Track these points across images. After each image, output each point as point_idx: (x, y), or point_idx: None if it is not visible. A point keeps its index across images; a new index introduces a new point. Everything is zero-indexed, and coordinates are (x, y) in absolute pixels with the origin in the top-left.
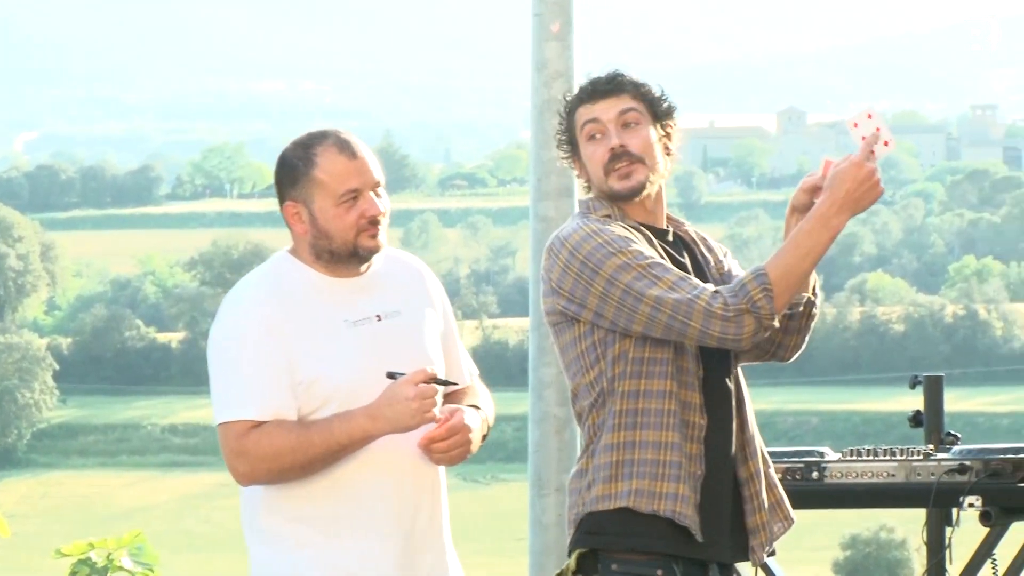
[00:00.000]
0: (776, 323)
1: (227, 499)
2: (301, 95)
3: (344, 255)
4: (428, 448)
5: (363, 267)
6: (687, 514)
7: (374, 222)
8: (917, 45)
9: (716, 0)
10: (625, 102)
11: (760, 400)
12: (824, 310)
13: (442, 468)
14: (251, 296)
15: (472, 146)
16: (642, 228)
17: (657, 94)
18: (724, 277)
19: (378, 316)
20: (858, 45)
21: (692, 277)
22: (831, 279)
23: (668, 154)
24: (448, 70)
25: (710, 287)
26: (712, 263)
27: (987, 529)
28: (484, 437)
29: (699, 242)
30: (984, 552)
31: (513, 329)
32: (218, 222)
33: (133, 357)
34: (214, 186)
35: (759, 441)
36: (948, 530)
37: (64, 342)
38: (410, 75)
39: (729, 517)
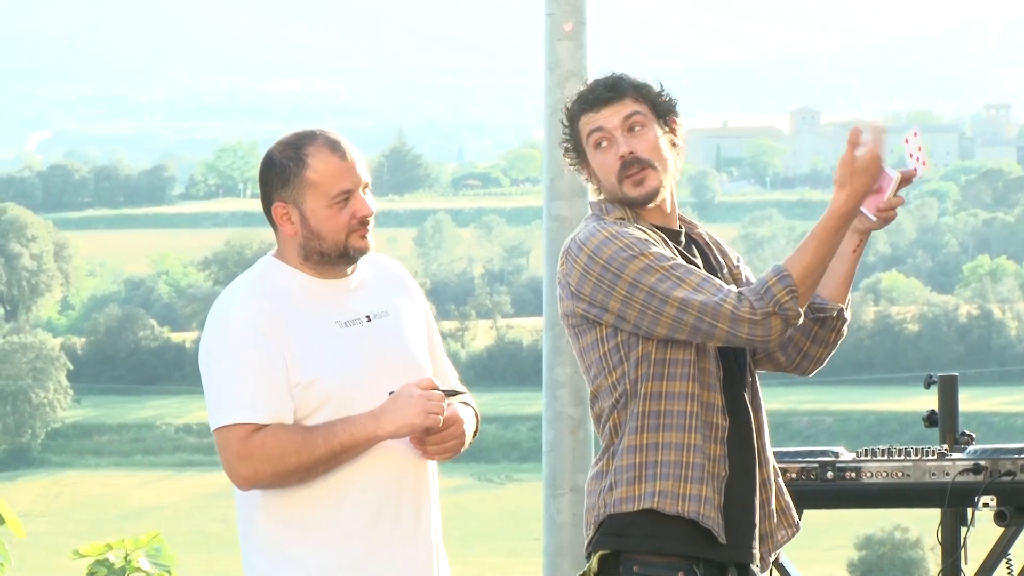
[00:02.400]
0: (800, 319)
1: None
2: (313, 94)
3: (334, 256)
4: (422, 441)
5: (350, 269)
6: (711, 516)
7: (364, 222)
8: (930, 44)
9: None
10: (628, 107)
11: (774, 400)
12: None
13: (434, 467)
14: (242, 300)
15: (485, 145)
16: (657, 230)
17: (657, 91)
18: (738, 283)
19: (368, 317)
20: (871, 44)
21: (714, 278)
22: None
23: (674, 147)
24: (461, 69)
25: (734, 289)
26: (726, 268)
27: (1002, 529)
28: (475, 434)
29: (712, 245)
30: (999, 552)
31: (527, 329)
32: (231, 222)
33: (147, 357)
34: (227, 186)
35: (770, 448)
36: (963, 530)
37: (78, 342)
38: (422, 74)
39: (753, 519)
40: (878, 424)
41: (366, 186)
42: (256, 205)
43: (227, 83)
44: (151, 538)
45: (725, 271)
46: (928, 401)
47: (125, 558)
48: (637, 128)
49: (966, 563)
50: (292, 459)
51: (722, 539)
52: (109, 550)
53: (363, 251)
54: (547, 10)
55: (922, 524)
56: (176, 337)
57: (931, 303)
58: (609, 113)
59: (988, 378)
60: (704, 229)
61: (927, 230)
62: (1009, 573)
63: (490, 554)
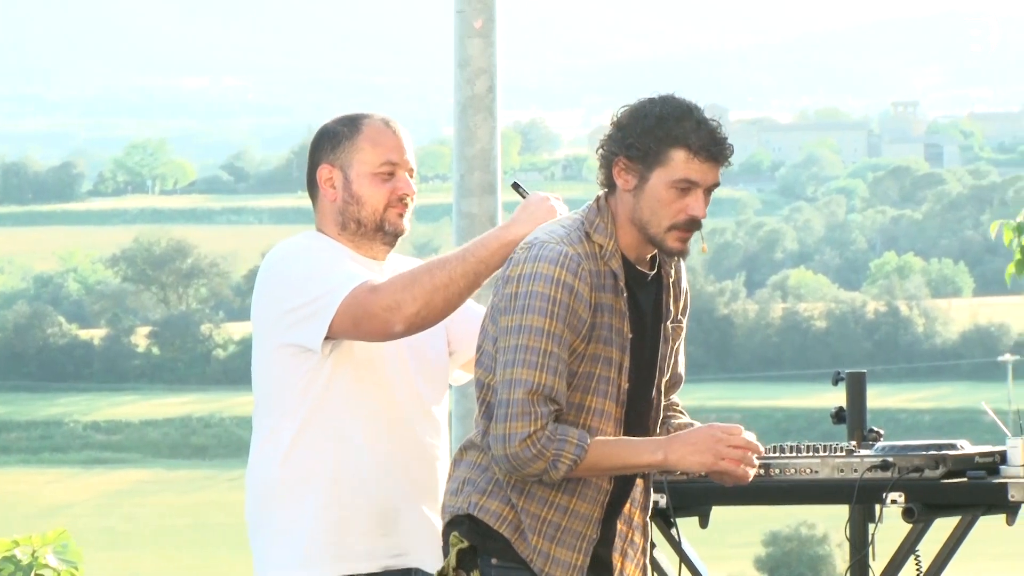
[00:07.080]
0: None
1: (150, 496)
2: (224, 91)
3: (370, 227)
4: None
5: (384, 254)
6: None
7: (404, 200)
8: (839, 42)
9: None
10: (718, 174)
11: (682, 396)
12: (746, 306)
13: (446, 454)
14: (300, 236)
15: None
16: (627, 266)
17: None
18: (667, 339)
19: None
20: (780, 42)
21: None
22: (753, 275)
23: None
24: (370, 66)
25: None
26: (673, 314)
27: (910, 526)
28: None
29: (671, 289)
30: (907, 549)
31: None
32: (140, 218)
33: (55, 354)
34: (136, 183)
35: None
36: (871, 527)
37: None
38: (333, 71)
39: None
40: (786, 420)
41: (411, 172)
42: (164, 202)
43: (141, 80)
44: (58, 535)
45: (668, 320)
46: (836, 398)
47: (32, 555)
48: (710, 194)
49: (874, 559)
50: (424, 279)
51: None
52: (16, 547)
53: (398, 230)
54: (457, 7)
55: (828, 521)
56: (84, 334)
57: (839, 300)
58: (710, 171)
59: (895, 375)
60: (676, 271)
61: (835, 227)
62: (918, 569)
63: None
